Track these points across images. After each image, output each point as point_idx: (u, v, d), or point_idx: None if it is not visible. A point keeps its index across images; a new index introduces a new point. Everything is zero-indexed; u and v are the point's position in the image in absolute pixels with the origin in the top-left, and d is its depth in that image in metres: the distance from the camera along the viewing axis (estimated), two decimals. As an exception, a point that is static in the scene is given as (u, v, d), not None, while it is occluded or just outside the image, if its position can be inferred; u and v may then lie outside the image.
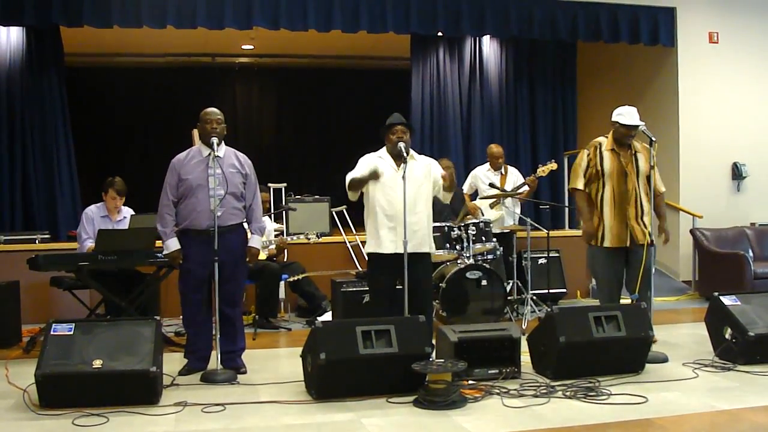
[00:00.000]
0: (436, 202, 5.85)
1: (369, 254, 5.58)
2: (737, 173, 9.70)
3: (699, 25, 9.69)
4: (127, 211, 6.60)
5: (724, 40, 9.73)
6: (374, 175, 5.36)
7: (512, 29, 9.23)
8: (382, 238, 5.43)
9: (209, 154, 5.03)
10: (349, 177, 5.51)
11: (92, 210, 6.51)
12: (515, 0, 9.19)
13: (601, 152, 5.72)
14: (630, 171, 5.63)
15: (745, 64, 9.77)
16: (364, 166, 5.52)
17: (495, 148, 8.03)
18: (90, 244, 6.29)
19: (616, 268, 5.71)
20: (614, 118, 5.69)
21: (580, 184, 5.80)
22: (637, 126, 5.60)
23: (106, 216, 6.48)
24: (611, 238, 5.64)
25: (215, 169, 5.00)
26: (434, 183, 5.63)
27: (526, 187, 7.73)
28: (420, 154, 5.81)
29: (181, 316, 5.57)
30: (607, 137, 5.78)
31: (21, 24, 8.51)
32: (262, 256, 6.85)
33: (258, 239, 5.32)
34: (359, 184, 5.45)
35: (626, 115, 5.63)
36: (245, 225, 5.32)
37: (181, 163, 5.13)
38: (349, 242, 8.40)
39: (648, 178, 5.68)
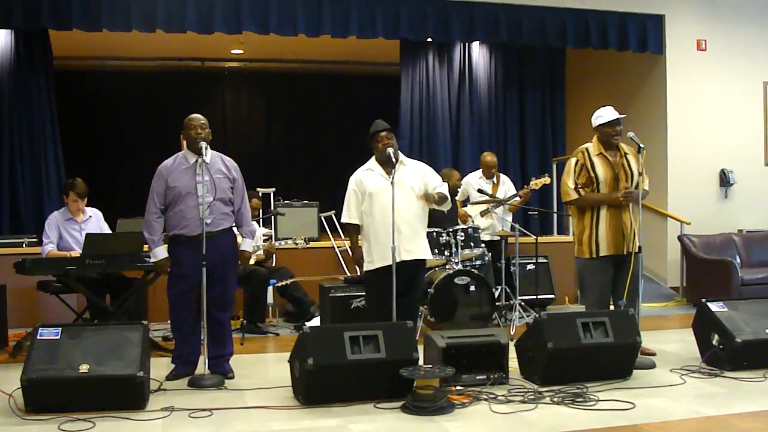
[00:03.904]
0: (433, 212, 5.85)
1: (369, 272, 5.56)
2: (725, 180, 9.75)
3: (687, 32, 9.74)
4: (92, 211, 6.60)
5: (712, 47, 9.80)
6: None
7: (501, 35, 9.25)
8: (381, 251, 5.42)
9: (196, 161, 5.00)
10: (345, 220, 5.67)
11: (55, 215, 6.51)
12: (504, 6, 9.20)
13: (590, 158, 5.61)
14: (622, 176, 5.55)
15: (733, 71, 9.83)
16: (353, 202, 5.62)
17: (489, 157, 8.00)
18: (50, 248, 6.32)
19: (607, 278, 5.60)
20: (594, 123, 5.66)
21: (573, 194, 5.62)
22: (618, 119, 5.56)
23: (71, 219, 6.48)
24: (607, 246, 5.54)
25: (203, 176, 4.97)
26: (425, 185, 5.61)
27: (517, 198, 7.73)
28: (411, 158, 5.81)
29: (168, 321, 5.55)
30: (592, 143, 5.69)
31: (9, 27, 8.48)
32: (251, 260, 6.84)
33: (249, 242, 5.33)
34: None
35: (604, 114, 5.61)
36: (234, 229, 5.31)
37: (168, 170, 5.08)
38: (338, 247, 8.38)
39: (638, 184, 5.63)
